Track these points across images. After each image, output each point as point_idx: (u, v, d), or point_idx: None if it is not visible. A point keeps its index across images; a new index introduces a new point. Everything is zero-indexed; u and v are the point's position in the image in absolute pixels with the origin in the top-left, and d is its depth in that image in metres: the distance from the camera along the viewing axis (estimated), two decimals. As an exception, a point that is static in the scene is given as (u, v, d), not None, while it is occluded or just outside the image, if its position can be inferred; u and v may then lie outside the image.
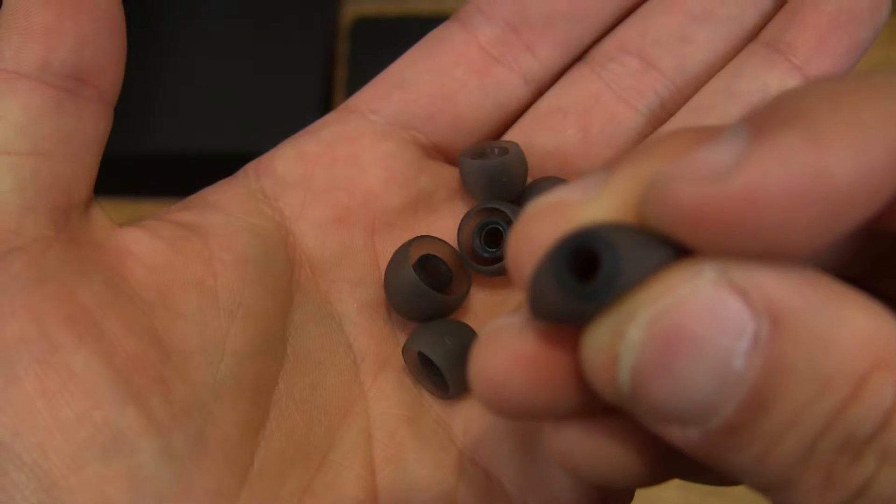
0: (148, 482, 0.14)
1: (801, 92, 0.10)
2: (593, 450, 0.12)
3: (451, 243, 0.18)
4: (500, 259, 0.18)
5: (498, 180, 0.18)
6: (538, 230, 0.11)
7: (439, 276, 0.18)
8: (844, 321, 0.10)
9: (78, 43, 0.15)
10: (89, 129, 0.15)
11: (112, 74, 0.15)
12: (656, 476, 0.12)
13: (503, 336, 0.12)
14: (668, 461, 0.12)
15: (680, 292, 0.10)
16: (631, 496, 0.17)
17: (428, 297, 0.17)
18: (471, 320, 0.18)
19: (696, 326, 0.10)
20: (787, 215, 0.10)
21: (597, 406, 0.11)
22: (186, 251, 0.16)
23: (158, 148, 0.42)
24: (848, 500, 0.10)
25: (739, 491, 0.40)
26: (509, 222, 0.18)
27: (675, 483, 0.41)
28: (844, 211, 0.10)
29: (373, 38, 0.45)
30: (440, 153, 0.19)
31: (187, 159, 0.42)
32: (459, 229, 0.18)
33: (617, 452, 0.12)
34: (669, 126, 0.19)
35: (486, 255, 0.18)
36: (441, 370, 0.16)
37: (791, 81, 0.18)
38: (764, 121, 0.10)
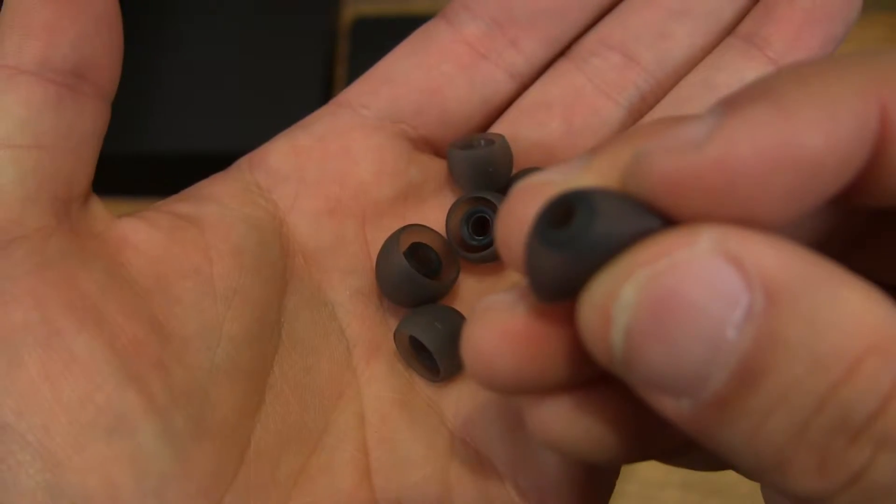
0: (149, 462, 0.14)
1: (771, 74, 0.11)
2: (571, 424, 0.12)
3: (439, 232, 0.19)
4: (487, 246, 0.18)
5: (485, 171, 0.18)
6: (523, 208, 0.11)
7: (429, 263, 0.18)
8: (840, 302, 0.10)
9: (77, 40, 0.15)
10: (88, 123, 0.16)
11: (110, 71, 0.16)
12: (633, 453, 0.12)
13: (493, 312, 0.12)
14: (646, 439, 0.12)
15: (677, 256, 0.10)
16: (616, 475, 0.18)
17: (418, 284, 0.17)
18: (460, 306, 0.18)
19: (691, 292, 0.10)
20: (759, 181, 0.10)
21: (582, 382, 0.12)
22: (183, 241, 0.16)
23: (158, 148, 0.42)
24: (843, 486, 0.10)
25: (739, 491, 0.40)
26: (496, 211, 0.18)
27: (675, 483, 0.41)
28: (816, 179, 0.10)
29: (373, 38, 0.45)
30: (428, 146, 0.20)
31: (187, 159, 0.42)
32: (448, 218, 0.19)
33: (594, 428, 0.12)
34: (649, 118, 0.20)
35: (473, 242, 0.18)
36: (432, 353, 0.17)
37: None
38: (736, 98, 0.11)
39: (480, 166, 0.18)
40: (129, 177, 0.43)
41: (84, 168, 0.16)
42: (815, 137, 0.10)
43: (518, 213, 0.11)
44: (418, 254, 0.18)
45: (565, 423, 0.12)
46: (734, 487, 0.37)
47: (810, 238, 0.13)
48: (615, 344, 0.10)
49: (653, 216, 0.11)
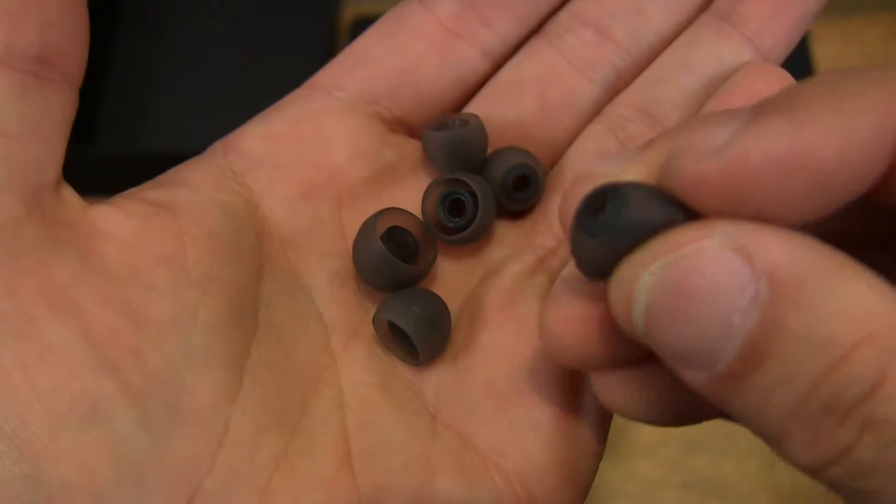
0: (127, 449, 0.14)
1: (804, 83, 0.12)
2: (628, 394, 0.14)
3: (416, 214, 0.18)
4: (463, 228, 0.18)
5: (459, 151, 0.18)
6: (579, 194, 0.13)
7: (406, 246, 0.18)
8: (842, 292, 0.11)
9: (42, 26, 0.15)
10: (56, 110, 0.15)
11: (77, 57, 0.16)
12: (678, 418, 0.14)
13: (561, 298, 0.14)
14: (692, 406, 0.14)
15: (692, 247, 0.11)
16: (598, 459, 0.17)
17: (396, 268, 0.17)
18: (438, 288, 0.18)
19: (702, 280, 0.11)
20: (771, 187, 0.11)
21: (634, 358, 0.14)
22: (157, 228, 0.16)
23: (158, 148, 0.42)
24: (832, 460, 0.11)
25: (739, 491, 0.40)
26: (471, 192, 0.18)
27: (675, 483, 0.41)
28: (828, 187, 0.11)
29: (373, 38, 0.45)
30: (403, 127, 0.20)
31: (187, 159, 0.42)
32: (423, 200, 0.18)
33: (648, 396, 0.14)
34: (626, 96, 0.20)
35: (450, 224, 0.18)
36: (411, 338, 0.17)
37: (743, 53, 0.19)
38: (763, 106, 0.12)
39: (455, 147, 0.18)
40: (129, 177, 0.43)
41: (53, 156, 0.15)
42: (827, 149, 0.11)
43: (574, 199, 0.13)
44: (395, 237, 0.18)
45: (623, 392, 0.14)
46: (734, 487, 0.37)
47: (834, 232, 0.13)
48: (637, 320, 0.12)
49: (677, 208, 0.12)
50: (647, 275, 0.12)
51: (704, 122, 0.13)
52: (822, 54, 0.45)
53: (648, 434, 0.38)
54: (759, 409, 0.11)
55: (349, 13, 0.47)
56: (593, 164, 0.14)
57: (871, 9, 0.46)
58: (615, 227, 0.12)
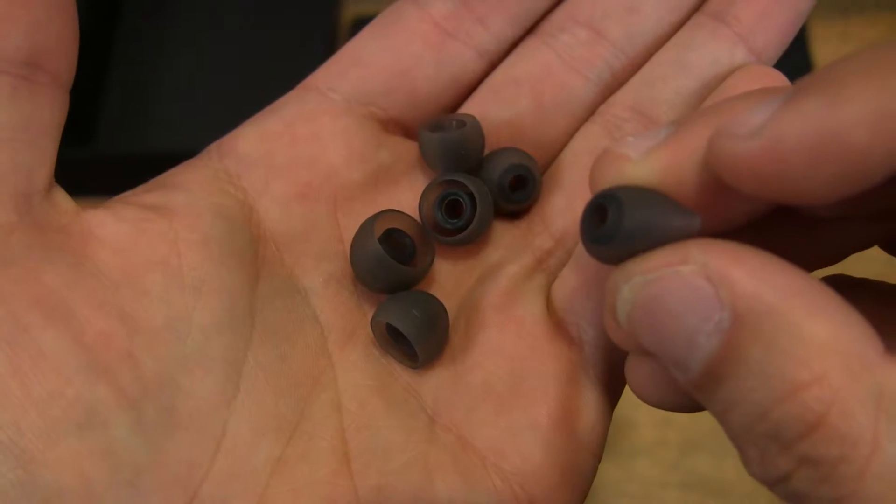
0: (122, 455, 0.14)
1: (843, 59, 0.12)
2: (657, 384, 0.15)
3: (413, 215, 0.18)
4: (461, 229, 0.18)
5: (456, 153, 0.18)
6: (600, 175, 0.14)
7: (403, 248, 0.18)
8: (799, 331, 0.11)
9: (30, 29, 0.15)
10: (46, 114, 0.15)
11: (66, 59, 0.15)
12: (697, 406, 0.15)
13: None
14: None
15: (668, 270, 0.12)
16: (598, 460, 0.17)
17: (393, 270, 0.17)
18: (435, 290, 0.18)
19: (672, 301, 0.12)
20: (805, 170, 0.11)
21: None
22: (150, 232, 0.16)
23: (158, 148, 0.42)
24: (775, 482, 0.12)
25: (739, 491, 0.40)
26: (469, 193, 0.18)
27: (675, 483, 0.41)
28: (860, 169, 0.11)
29: (373, 38, 0.45)
30: (398, 127, 0.20)
31: (187, 159, 0.42)
32: (421, 201, 0.18)
33: (669, 388, 0.14)
34: (622, 96, 0.19)
35: (448, 225, 0.18)
36: (410, 340, 0.16)
37: (737, 52, 0.19)
38: (800, 86, 0.12)
39: (452, 149, 0.18)
40: (129, 177, 0.43)
41: (44, 160, 0.15)
42: (861, 132, 0.11)
43: (595, 178, 0.14)
44: (393, 239, 0.18)
45: (654, 383, 0.15)
46: (734, 487, 0.37)
47: (875, 208, 0.14)
48: (622, 322, 0.13)
49: (676, 215, 0.13)
50: (625, 289, 0.13)
51: (742, 102, 0.13)
52: (822, 54, 0.45)
53: (648, 434, 0.38)
54: (722, 419, 0.13)
55: (349, 13, 0.47)
56: (618, 143, 0.14)
57: (871, 8, 0.46)
58: (614, 237, 0.13)
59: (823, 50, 0.46)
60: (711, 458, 0.38)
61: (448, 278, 0.19)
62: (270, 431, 0.16)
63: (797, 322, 0.11)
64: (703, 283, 0.12)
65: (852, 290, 0.14)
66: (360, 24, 0.46)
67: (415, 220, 0.18)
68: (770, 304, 0.12)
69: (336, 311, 0.18)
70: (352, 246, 0.17)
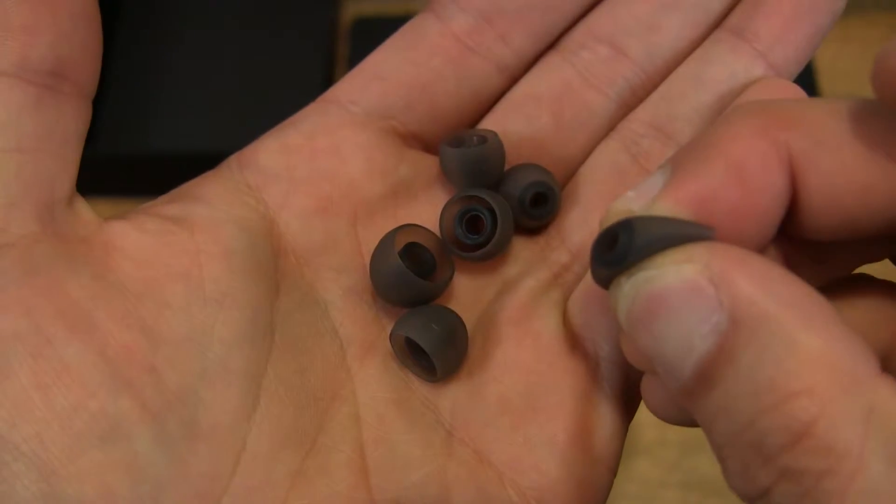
0: (145, 468, 0.14)
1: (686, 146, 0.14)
2: (673, 401, 0.15)
3: (432, 230, 0.18)
4: (481, 245, 0.18)
5: (477, 168, 0.18)
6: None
7: (423, 263, 0.18)
8: (792, 340, 0.12)
9: (55, 39, 0.15)
10: (70, 124, 0.15)
11: (90, 69, 0.15)
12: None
13: None
14: None
15: (671, 268, 0.12)
16: (613, 475, 0.18)
17: (413, 285, 0.17)
18: (453, 304, 0.18)
19: (673, 298, 0.12)
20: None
21: None
22: (172, 244, 0.16)
23: (158, 148, 0.42)
24: (756, 497, 0.12)
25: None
26: (490, 209, 0.18)
27: (675, 483, 0.41)
28: (744, 222, 0.13)
29: (373, 38, 0.45)
30: (418, 141, 0.20)
31: (187, 159, 0.42)
32: (441, 217, 0.18)
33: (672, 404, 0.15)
34: (640, 112, 0.20)
35: (468, 241, 0.18)
36: (429, 354, 0.16)
37: (756, 69, 0.19)
38: (676, 157, 0.14)
39: (473, 164, 0.18)
40: (129, 177, 0.43)
41: (67, 170, 0.15)
42: (729, 191, 0.13)
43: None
44: (413, 253, 0.18)
45: (667, 402, 0.15)
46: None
47: None
48: (621, 320, 0.13)
49: (689, 226, 0.13)
50: (626, 284, 0.13)
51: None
52: (822, 54, 0.45)
53: (648, 434, 0.38)
54: (708, 429, 0.12)
55: (349, 13, 0.47)
56: (620, 200, 0.14)
57: (871, 9, 0.46)
58: (624, 261, 0.13)
59: (824, 51, 0.45)
60: (711, 458, 0.38)
61: (466, 292, 0.19)
62: (290, 444, 0.16)
63: (792, 332, 0.12)
64: (705, 284, 0.12)
65: (876, 289, 0.14)
66: (360, 24, 0.46)
67: (435, 235, 0.18)
68: (768, 311, 0.12)
69: (355, 325, 0.18)
70: (372, 259, 0.18)
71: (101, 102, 0.44)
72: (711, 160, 0.13)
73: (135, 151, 0.43)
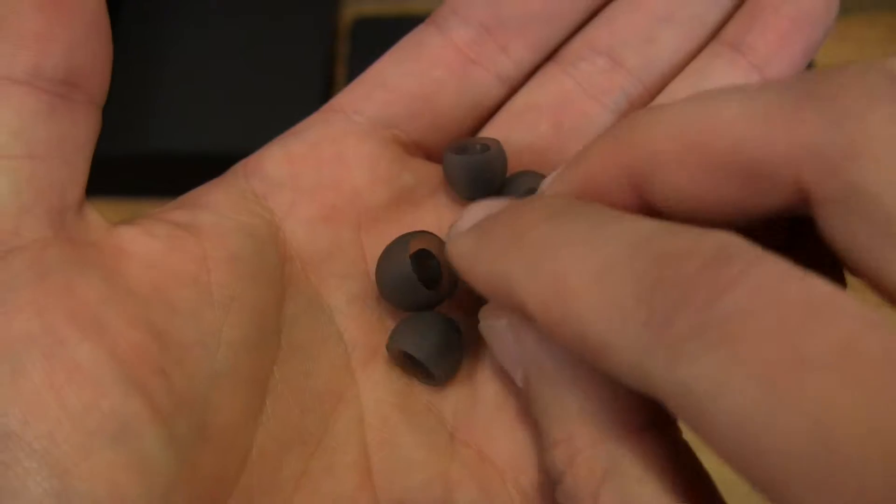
0: (155, 468, 0.14)
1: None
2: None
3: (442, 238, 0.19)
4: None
5: (480, 175, 0.18)
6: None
7: (430, 270, 0.18)
8: (562, 400, 0.14)
9: (69, 48, 0.15)
10: (81, 131, 0.15)
11: (101, 77, 0.16)
12: None
13: None
14: None
15: (490, 323, 0.16)
16: None
17: (419, 292, 0.17)
18: (455, 308, 0.19)
19: (497, 348, 0.16)
20: None
21: None
22: (181, 249, 0.16)
23: (158, 148, 0.42)
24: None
25: (739, 491, 0.40)
26: None
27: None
28: None
29: (373, 38, 0.45)
30: (421, 150, 0.20)
31: (187, 159, 0.42)
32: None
33: None
34: None
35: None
36: (425, 364, 0.17)
37: (751, 82, 0.19)
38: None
39: (476, 171, 0.18)
40: (129, 177, 0.43)
41: (78, 177, 0.16)
42: None
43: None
44: (421, 260, 0.18)
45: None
46: (734, 487, 0.37)
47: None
48: None
49: None
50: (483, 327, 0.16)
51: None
52: (821, 53, 0.45)
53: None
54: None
55: (349, 13, 0.47)
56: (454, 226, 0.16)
57: (871, 8, 0.46)
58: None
59: (823, 49, 0.45)
60: (711, 458, 0.38)
61: (470, 300, 0.19)
62: (295, 446, 0.16)
63: (561, 390, 0.14)
64: (510, 340, 0.15)
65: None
66: (360, 24, 0.46)
67: (443, 243, 0.18)
68: (546, 371, 0.14)
69: (360, 330, 0.18)
70: (381, 262, 0.18)
71: (101, 102, 0.44)
72: (574, 182, 0.15)
73: (135, 151, 0.43)
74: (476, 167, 0.18)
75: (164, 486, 0.14)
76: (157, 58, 0.45)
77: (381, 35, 0.47)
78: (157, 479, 0.14)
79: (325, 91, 0.43)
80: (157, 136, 0.43)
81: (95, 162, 0.49)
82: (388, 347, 0.17)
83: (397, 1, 0.47)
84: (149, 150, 0.42)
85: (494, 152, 0.18)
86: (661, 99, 0.20)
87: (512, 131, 0.20)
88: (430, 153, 0.20)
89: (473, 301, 0.19)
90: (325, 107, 0.20)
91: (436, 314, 0.18)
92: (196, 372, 0.15)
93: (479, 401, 0.18)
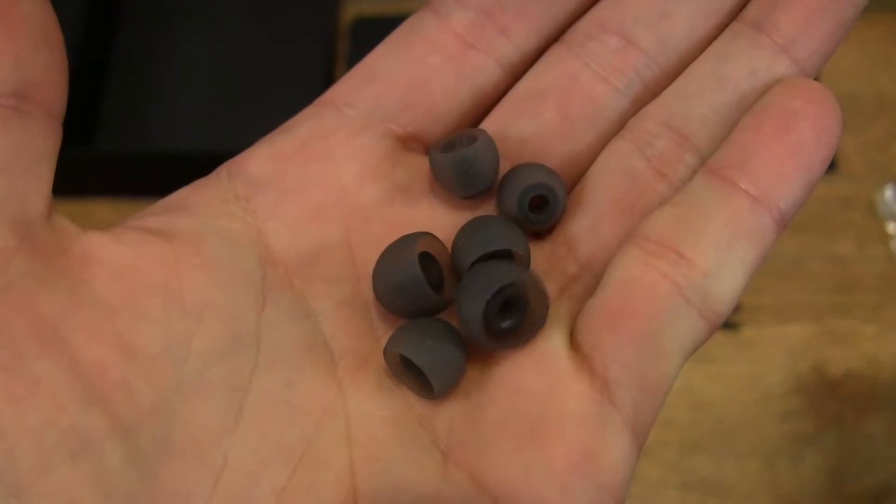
0: (116, 483, 0.14)
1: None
2: None
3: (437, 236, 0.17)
4: (513, 331, 0.16)
5: (468, 171, 0.17)
6: None
7: (431, 275, 0.17)
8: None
9: (16, 61, 0.15)
10: (38, 143, 0.15)
11: (56, 89, 0.15)
12: None
13: None
14: None
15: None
16: None
17: (425, 296, 0.16)
18: (454, 317, 0.17)
19: None
20: None
21: None
22: (151, 255, 0.16)
23: (158, 148, 0.42)
24: None
25: (739, 491, 0.40)
26: (527, 288, 0.16)
27: (675, 483, 0.40)
28: None
29: (373, 38, 0.45)
30: (418, 143, 0.19)
31: (187, 159, 0.42)
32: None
33: None
34: (653, 110, 0.18)
35: (503, 325, 0.16)
36: (424, 372, 0.16)
37: (779, 65, 0.18)
38: None
39: (464, 167, 0.17)
40: (129, 177, 0.43)
41: (40, 187, 0.15)
42: None
43: None
44: (423, 264, 0.17)
45: None
46: (734, 487, 0.37)
47: None
48: None
49: None
50: None
51: None
52: (822, 54, 0.45)
53: (649, 434, 0.38)
54: None
55: (349, 13, 0.47)
56: None
57: (871, 9, 0.46)
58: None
59: (823, 50, 0.45)
60: (711, 458, 0.38)
61: None
62: (275, 461, 0.15)
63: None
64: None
65: None
66: (360, 24, 0.46)
67: (446, 249, 0.17)
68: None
69: (348, 336, 0.17)
70: (382, 264, 0.17)
71: (101, 102, 0.44)
72: None
73: (134, 151, 0.43)
74: (462, 163, 0.17)
75: (125, 501, 0.14)
76: (157, 58, 0.45)
77: (381, 35, 0.47)
78: (119, 495, 0.14)
79: (325, 91, 0.43)
80: (157, 136, 0.43)
81: (96, 162, 0.49)
82: (385, 352, 0.16)
83: (397, 1, 0.46)
84: (149, 149, 0.42)
85: (481, 144, 0.17)
86: (682, 86, 0.18)
87: (514, 120, 0.18)
88: (428, 146, 0.19)
89: None
90: (318, 100, 0.19)
91: (440, 320, 0.17)
92: (162, 383, 0.15)
93: (475, 421, 0.16)
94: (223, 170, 0.18)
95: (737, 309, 0.40)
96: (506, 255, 0.17)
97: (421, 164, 0.18)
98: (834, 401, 0.39)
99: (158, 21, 0.46)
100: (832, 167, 0.44)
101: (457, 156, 0.17)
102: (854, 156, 0.44)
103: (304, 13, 0.45)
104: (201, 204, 0.17)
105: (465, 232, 0.17)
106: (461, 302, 0.16)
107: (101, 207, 0.43)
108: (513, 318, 0.16)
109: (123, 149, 0.43)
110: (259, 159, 0.18)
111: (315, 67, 0.44)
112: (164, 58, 0.45)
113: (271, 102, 0.42)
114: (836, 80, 0.44)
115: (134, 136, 0.43)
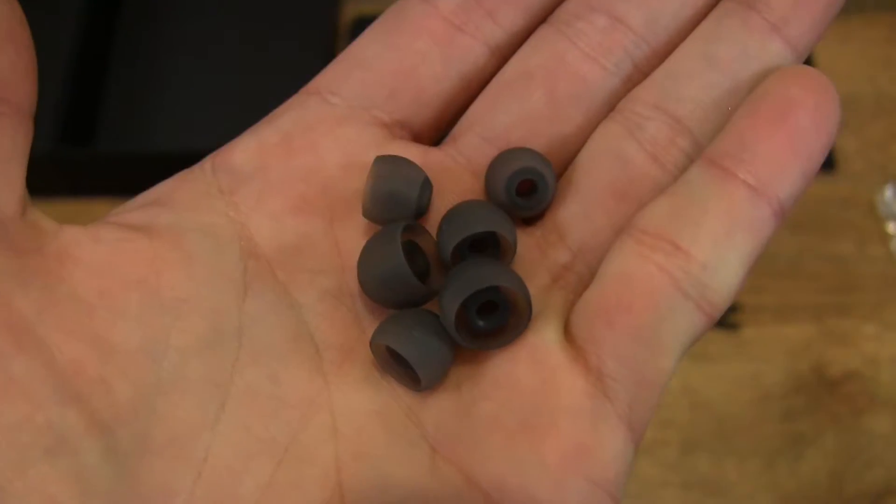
0: (93, 481, 0.14)
1: None
2: None
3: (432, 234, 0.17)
4: (491, 332, 0.16)
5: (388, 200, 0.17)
6: None
7: (417, 265, 0.17)
8: None
9: None
10: (7, 141, 0.15)
11: (24, 87, 0.15)
12: None
13: None
14: None
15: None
16: (616, 501, 0.16)
17: (411, 286, 0.16)
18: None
19: None
20: None
21: None
22: (129, 251, 0.15)
23: (158, 148, 0.42)
24: None
25: (739, 491, 0.40)
26: (503, 297, 0.16)
27: (675, 483, 0.40)
28: None
29: (373, 38, 0.45)
30: (406, 130, 0.18)
31: (187, 159, 0.42)
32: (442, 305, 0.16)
33: None
34: (644, 91, 0.18)
35: (479, 324, 0.16)
36: (411, 364, 0.15)
37: (771, 45, 0.17)
38: None
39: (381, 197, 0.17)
40: (129, 177, 0.43)
41: (12, 186, 0.15)
42: None
43: None
44: (408, 253, 0.16)
45: None
46: (734, 487, 0.37)
47: None
48: None
49: None
50: None
51: None
52: (823, 54, 0.45)
53: (648, 434, 0.38)
54: None
55: (349, 13, 0.47)
56: None
57: (871, 9, 0.46)
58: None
59: (824, 50, 0.45)
60: (711, 458, 0.38)
61: None
62: (258, 456, 0.15)
63: None
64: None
65: None
66: (360, 24, 0.46)
67: (432, 238, 0.17)
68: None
69: (333, 328, 0.16)
70: (366, 254, 0.16)
71: (100, 102, 0.44)
72: None
73: (134, 151, 0.42)
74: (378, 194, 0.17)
75: (103, 499, 0.14)
76: (156, 58, 0.45)
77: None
78: (97, 493, 0.13)
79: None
80: (157, 136, 0.43)
81: (95, 162, 0.49)
82: (371, 344, 0.16)
83: (397, 1, 0.47)
84: (149, 149, 0.42)
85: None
86: (672, 66, 0.18)
87: (501, 103, 0.18)
88: (417, 132, 0.18)
89: None
90: (303, 89, 0.18)
91: (427, 312, 0.16)
92: (140, 380, 0.14)
93: (465, 415, 0.16)
94: (207, 162, 0.18)
95: (737, 309, 0.40)
96: (490, 237, 0.16)
97: (406, 151, 0.18)
98: (834, 401, 0.39)
99: (158, 21, 0.46)
100: (832, 167, 0.44)
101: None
102: (854, 156, 0.44)
103: (303, 13, 0.45)
104: (183, 198, 0.17)
105: (450, 216, 0.17)
106: (441, 298, 0.16)
107: (101, 207, 0.43)
108: (491, 319, 0.16)
109: (123, 149, 0.43)
110: (244, 151, 0.17)
111: (315, 68, 0.44)
112: (163, 58, 0.45)
113: (271, 102, 0.42)
114: (836, 80, 0.44)
115: (134, 136, 0.43)
